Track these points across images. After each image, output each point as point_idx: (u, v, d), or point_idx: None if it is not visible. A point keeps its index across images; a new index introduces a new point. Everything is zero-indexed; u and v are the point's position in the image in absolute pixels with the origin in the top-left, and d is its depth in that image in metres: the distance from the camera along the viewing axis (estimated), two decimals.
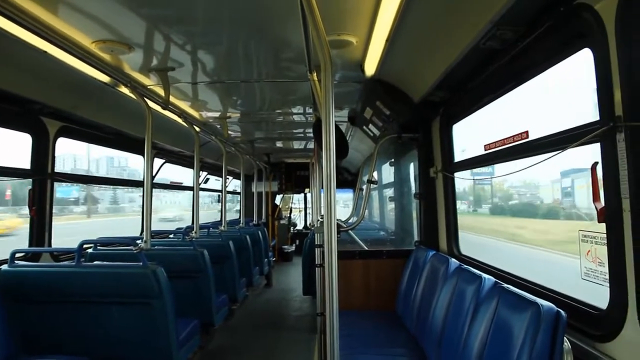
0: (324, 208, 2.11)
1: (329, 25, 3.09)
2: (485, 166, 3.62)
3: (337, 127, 5.65)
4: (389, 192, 7.39)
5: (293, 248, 13.40)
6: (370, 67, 3.88)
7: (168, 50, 3.57)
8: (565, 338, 2.06)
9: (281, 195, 13.96)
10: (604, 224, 2.07)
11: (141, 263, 3.58)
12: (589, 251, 2.24)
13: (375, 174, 8.56)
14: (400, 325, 4.23)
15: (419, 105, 4.17)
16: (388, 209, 7.95)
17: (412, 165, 5.38)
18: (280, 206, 14.00)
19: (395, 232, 6.34)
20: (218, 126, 6.82)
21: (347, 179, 11.60)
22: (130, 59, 3.67)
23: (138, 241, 3.98)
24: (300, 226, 14.71)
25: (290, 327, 6.61)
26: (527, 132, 2.76)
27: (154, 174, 6.65)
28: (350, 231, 5.17)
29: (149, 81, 4.29)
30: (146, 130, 4.37)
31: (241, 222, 9.36)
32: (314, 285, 5.60)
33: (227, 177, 8.50)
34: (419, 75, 3.78)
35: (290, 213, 14.78)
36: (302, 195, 14.24)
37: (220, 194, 9.47)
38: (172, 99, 4.89)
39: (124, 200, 25.98)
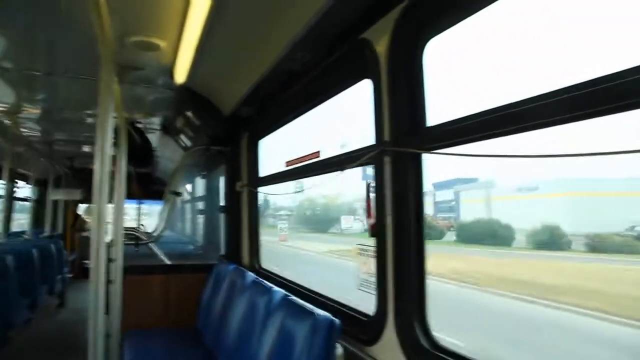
0: (93, 219, 1.94)
1: (135, 25, 2.92)
2: (285, 182, 3.76)
3: (141, 133, 5.38)
4: (202, 206, 7.25)
5: None
6: (180, 75, 3.76)
7: None
8: (339, 343, 2.21)
9: (86, 204, 12.65)
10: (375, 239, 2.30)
11: None
12: (364, 263, 2.46)
13: (189, 187, 8.36)
14: (198, 340, 4.11)
15: (228, 119, 4.18)
16: (199, 223, 7.79)
17: (222, 179, 5.36)
18: (84, 216, 12.66)
19: (203, 246, 6.22)
20: (9, 122, 5.88)
21: (161, 190, 11.06)
22: None
23: None
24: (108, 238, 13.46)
25: (85, 349, 5.93)
26: (318, 152, 2.95)
27: None
28: (152, 244, 4.88)
29: None
30: None
31: (27, 233, 8.18)
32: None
33: (18, 181, 7.38)
34: (228, 89, 3.79)
35: None
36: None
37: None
38: None
39: None
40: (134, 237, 4.47)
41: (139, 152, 4.30)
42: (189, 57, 3.36)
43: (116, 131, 3.81)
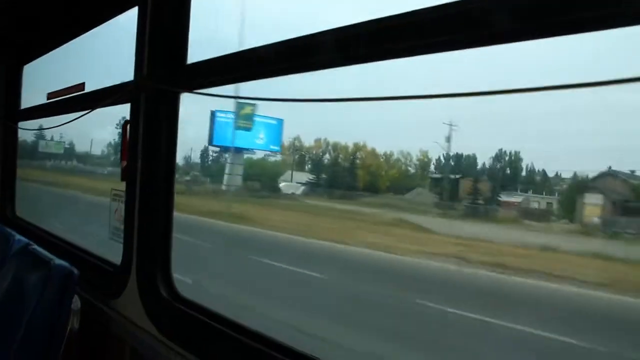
0: None
1: None
2: (50, 116, 3.25)
3: None
4: None
5: None
6: None
7: None
8: (77, 296, 1.99)
9: None
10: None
11: None
12: (116, 210, 2.25)
13: None
14: None
15: None
16: None
17: None
18: None
19: None
20: None
21: None
22: None
23: None
24: None
25: None
26: (83, 83, 2.59)
27: None
28: None
29: None
30: None
31: None
32: None
33: None
34: None
35: None
36: None
37: None
38: None
39: None
40: None
41: None
42: None
43: None
